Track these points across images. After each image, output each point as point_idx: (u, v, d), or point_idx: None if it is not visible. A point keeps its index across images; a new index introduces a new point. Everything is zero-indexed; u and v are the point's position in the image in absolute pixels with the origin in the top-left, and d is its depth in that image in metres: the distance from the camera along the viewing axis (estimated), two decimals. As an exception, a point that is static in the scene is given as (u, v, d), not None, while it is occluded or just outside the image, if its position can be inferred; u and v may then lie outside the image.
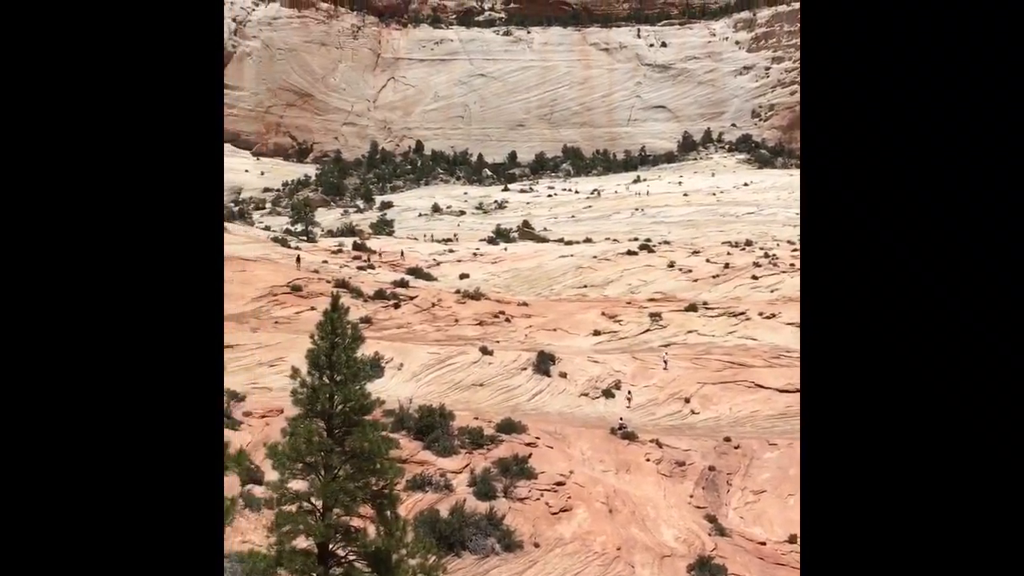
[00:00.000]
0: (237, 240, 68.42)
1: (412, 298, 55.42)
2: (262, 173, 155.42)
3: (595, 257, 76.24)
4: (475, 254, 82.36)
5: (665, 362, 44.24)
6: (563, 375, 42.33)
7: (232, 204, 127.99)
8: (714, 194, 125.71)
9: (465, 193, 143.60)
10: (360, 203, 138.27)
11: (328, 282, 55.82)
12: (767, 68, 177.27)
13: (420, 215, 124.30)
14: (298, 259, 63.01)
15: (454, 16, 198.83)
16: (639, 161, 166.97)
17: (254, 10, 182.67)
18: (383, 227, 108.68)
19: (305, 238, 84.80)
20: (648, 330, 52.27)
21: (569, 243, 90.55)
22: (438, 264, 75.73)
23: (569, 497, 26.55)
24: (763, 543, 28.14)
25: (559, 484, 27.23)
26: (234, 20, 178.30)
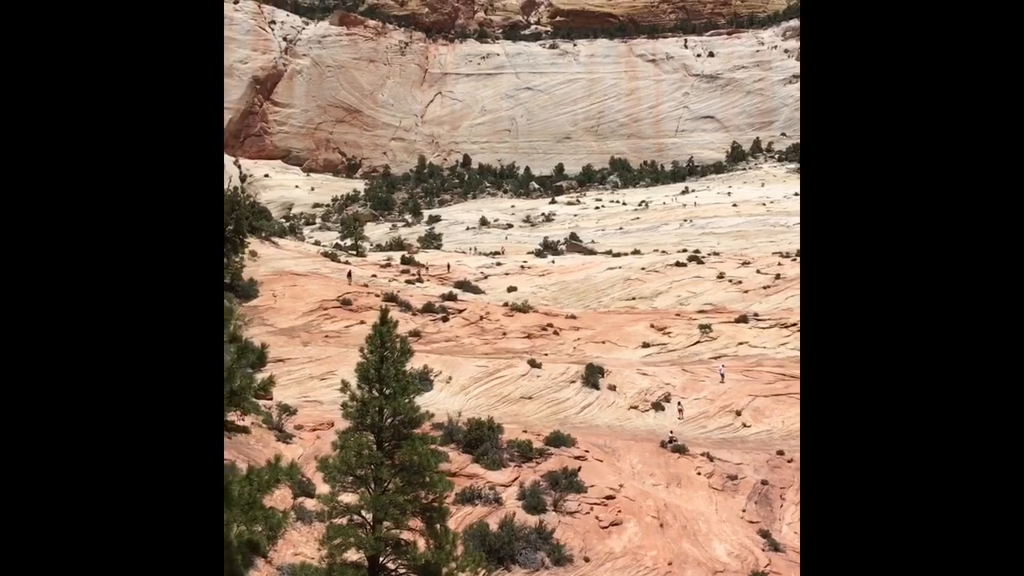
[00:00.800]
0: (288, 255, 69.45)
1: (460, 311, 55.64)
2: (312, 189, 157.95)
3: (643, 269, 75.76)
4: (523, 267, 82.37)
5: (722, 375, 43.79)
6: (612, 388, 42.08)
7: (283, 219, 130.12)
8: (764, 204, 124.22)
9: (512, 206, 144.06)
10: (408, 217, 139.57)
11: (377, 296, 56.31)
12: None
13: (468, 228, 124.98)
14: (349, 274, 63.71)
15: (500, 30, 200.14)
16: (687, 172, 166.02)
17: (304, 29, 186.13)
18: (431, 241, 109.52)
19: (354, 252, 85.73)
20: (698, 342, 51.77)
21: (617, 255, 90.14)
22: (486, 277, 75.93)
23: (619, 511, 26.32)
24: (818, 559, 27.54)
25: (609, 498, 27.03)
26: (284, 39, 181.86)
